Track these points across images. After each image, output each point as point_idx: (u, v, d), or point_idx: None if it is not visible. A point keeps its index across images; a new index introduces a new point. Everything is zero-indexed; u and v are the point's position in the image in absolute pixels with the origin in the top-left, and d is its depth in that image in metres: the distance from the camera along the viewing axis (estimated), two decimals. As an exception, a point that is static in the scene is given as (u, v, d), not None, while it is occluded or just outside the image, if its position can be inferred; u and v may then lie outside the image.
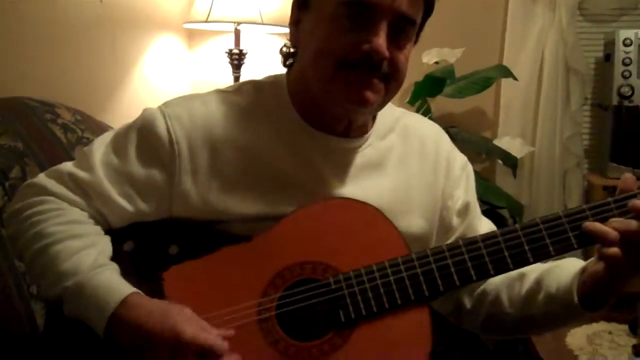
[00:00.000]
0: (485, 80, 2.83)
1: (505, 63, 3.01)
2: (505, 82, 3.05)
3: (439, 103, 2.94)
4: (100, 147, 1.20)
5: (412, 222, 1.26)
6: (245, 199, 1.18)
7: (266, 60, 3.16)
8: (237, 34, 2.95)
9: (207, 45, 3.26)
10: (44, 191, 1.18)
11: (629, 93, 2.72)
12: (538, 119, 3.04)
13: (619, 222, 1.09)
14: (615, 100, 2.76)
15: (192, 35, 3.23)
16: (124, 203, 1.17)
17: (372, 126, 1.27)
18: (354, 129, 1.24)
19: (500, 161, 2.94)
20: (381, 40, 1.09)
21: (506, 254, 1.12)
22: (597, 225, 1.10)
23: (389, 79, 1.14)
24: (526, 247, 1.12)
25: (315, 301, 1.11)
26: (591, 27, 3.12)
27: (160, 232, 1.19)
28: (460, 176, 1.35)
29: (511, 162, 2.83)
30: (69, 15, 2.31)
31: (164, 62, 3.00)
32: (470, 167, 1.38)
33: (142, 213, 1.19)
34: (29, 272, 1.22)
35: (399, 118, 1.32)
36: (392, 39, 1.11)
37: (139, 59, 2.80)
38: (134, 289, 1.07)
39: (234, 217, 1.18)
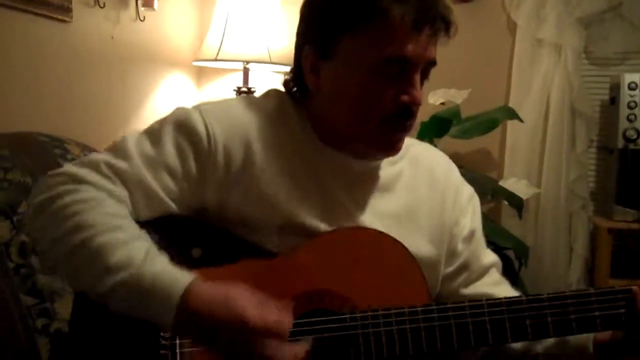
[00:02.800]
0: (491, 121, 2.85)
1: (511, 105, 3.03)
2: (511, 124, 3.07)
3: (445, 143, 2.95)
4: (133, 139, 1.19)
5: (421, 245, 1.28)
6: (277, 199, 1.20)
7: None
8: (245, 72, 2.98)
9: (216, 83, 3.30)
10: (79, 179, 1.11)
11: (634, 136, 2.73)
12: (544, 161, 3.05)
13: None
14: (620, 143, 2.76)
15: (201, 73, 3.27)
16: (162, 194, 1.16)
17: None
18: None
19: (506, 202, 2.94)
20: (418, 92, 1.17)
21: (527, 322, 1.12)
22: None
23: (413, 119, 1.20)
24: (549, 319, 1.12)
25: (327, 335, 1.11)
26: (597, 70, 3.14)
27: (185, 233, 1.17)
28: (467, 205, 1.37)
29: (517, 204, 2.83)
30: (80, 51, 2.34)
31: (174, 99, 3.03)
32: (476, 199, 1.41)
33: (176, 204, 1.18)
34: (61, 268, 1.08)
35: (409, 147, 1.35)
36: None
37: (148, 95, 2.83)
38: (193, 275, 1.02)
39: (255, 221, 1.19)
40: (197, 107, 1.22)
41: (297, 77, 1.27)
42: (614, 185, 2.81)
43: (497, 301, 1.14)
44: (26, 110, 2.07)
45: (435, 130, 2.80)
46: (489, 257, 1.38)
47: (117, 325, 1.08)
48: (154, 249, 1.06)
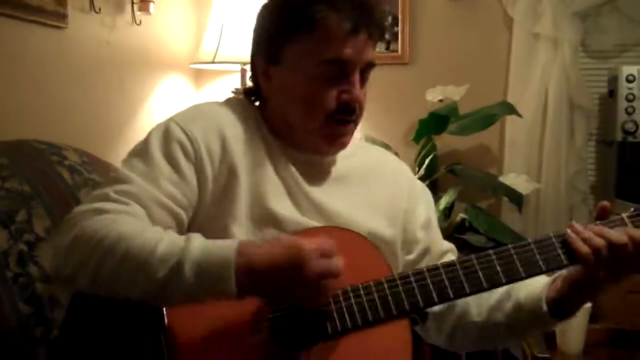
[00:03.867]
0: (490, 117, 2.85)
1: (509, 100, 3.03)
2: (510, 119, 3.07)
3: (444, 140, 2.96)
4: (126, 166, 1.25)
5: (381, 225, 1.37)
6: (253, 194, 1.27)
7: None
8: (243, 73, 2.98)
9: (214, 85, 3.30)
10: (98, 212, 1.13)
11: (633, 129, 2.73)
12: (543, 156, 3.05)
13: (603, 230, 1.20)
14: (619, 136, 2.77)
15: (199, 76, 3.28)
16: (171, 203, 1.21)
17: None
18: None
19: (505, 198, 2.94)
20: (358, 91, 1.29)
21: (480, 274, 1.21)
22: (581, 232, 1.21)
23: (356, 118, 1.32)
24: (499, 269, 1.21)
25: (305, 314, 1.16)
26: (594, 63, 3.14)
27: None
28: (420, 195, 1.49)
29: (517, 199, 2.83)
30: (76, 57, 2.34)
31: (172, 102, 3.04)
32: (429, 192, 1.54)
33: (185, 210, 1.23)
34: (114, 286, 1.08)
35: (363, 148, 1.51)
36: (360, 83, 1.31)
37: (146, 99, 2.84)
38: (236, 242, 1.07)
39: (246, 214, 1.26)
40: (171, 119, 1.30)
41: (254, 83, 1.40)
42: (614, 179, 2.81)
43: (450, 262, 1.23)
44: (23, 118, 2.07)
45: (434, 127, 2.81)
46: (446, 243, 1.49)
47: (112, 331, 1.12)
48: (190, 234, 1.11)
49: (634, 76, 2.75)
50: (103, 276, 1.08)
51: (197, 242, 1.07)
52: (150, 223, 1.16)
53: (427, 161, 2.83)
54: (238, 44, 2.83)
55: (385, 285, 1.20)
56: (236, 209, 1.25)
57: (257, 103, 1.40)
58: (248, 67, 2.93)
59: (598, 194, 3.11)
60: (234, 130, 1.31)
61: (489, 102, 2.94)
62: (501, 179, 2.94)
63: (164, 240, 1.07)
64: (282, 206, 1.29)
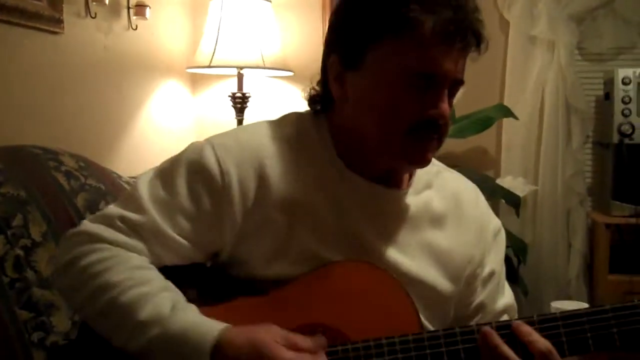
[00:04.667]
0: (486, 119, 2.85)
1: (506, 103, 3.04)
2: (507, 122, 3.07)
3: (441, 143, 2.96)
4: (145, 185, 1.18)
5: (438, 281, 1.26)
6: (285, 234, 1.18)
7: (269, 103, 3.19)
8: (240, 77, 2.98)
9: (211, 90, 3.30)
10: (96, 238, 1.13)
11: (630, 131, 2.73)
12: (540, 158, 3.05)
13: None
14: (616, 139, 2.76)
15: (195, 80, 3.28)
16: (180, 239, 1.16)
17: (410, 179, 1.28)
18: (393, 179, 1.25)
19: (503, 200, 2.94)
20: (446, 106, 1.14)
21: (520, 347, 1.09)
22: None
23: (442, 133, 1.18)
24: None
25: None
26: (590, 66, 3.14)
27: (178, 276, 1.18)
28: (491, 243, 1.34)
29: (514, 201, 2.82)
30: (73, 62, 2.34)
31: (168, 107, 3.04)
32: (502, 234, 1.38)
33: (196, 248, 1.18)
34: (95, 326, 1.11)
35: (439, 173, 1.33)
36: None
37: (143, 104, 2.84)
38: (223, 325, 1.04)
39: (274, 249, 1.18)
40: (210, 142, 1.20)
41: (323, 86, 1.25)
42: (611, 181, 2.81)
43: (488, 326, 1.11)
44: (19, 123, 2.07)
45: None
46: (505, 299, 1.35)
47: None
48: (181, 300, 1.09)
49: (629, 79, 2.75)
50: (85, 315, 1.13)
51: (179, 320, 1.04)
52: (150, 258, 1.15)
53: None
54: (235, 47, 2.83)
55: (412, 345, 1.10)
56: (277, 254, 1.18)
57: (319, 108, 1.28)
58: (245, 71, 2.96)
59: (595, 195, 3.12)
60: (281, 162, 1.20)
61: (485, 104, 2.94)
62: (498, 181, 2.94)
63: (152, 299, 1.06)
64: (328, 250, 1.19)
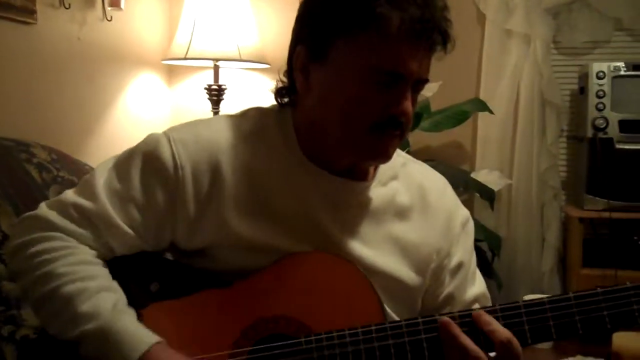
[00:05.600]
0: (462, 113, 2.86)
1: (481, 97, 3.05)
2: (482, 116, 3.09)
3: (417, 137, 2.97)
4: (102, 174, 1.19)
5: (403, 273, 1.26)
6: (242, 224, 1.18)
7: (245, 95, 3.18)
8: (216, 69, 2.97)
9: (187, 81, 3.28)
10: (49, 225, 1.15)
11: (603, 125, 2.75)
12: (515, 152, 3.07)
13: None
14: (590, 133, 2.78)
15: (171, 72, 3.26)
16: (129, 230, 1.16)
17: (375, 170, 1.28)
18: (357, 171, 1.25)
19: (478, 194, 2.95)
20: (409, 104, 1.14)
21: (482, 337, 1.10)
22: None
23: (403, 130, 1.18)
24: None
25: (284, 359, 1.11)
26: (566, 60, 3.16)
27: (142, 268, 1.19)
28: (459, 233, 1.34)
29: (489, 195, 2.84)
30: (46, 53, 2.31)
31: (144, 98, 3.01)
32: (471, 224, 1.38)
33: (147, 239, 1.19)
34: (35, 311, 1.15)
35: (405, 164, 1.33)
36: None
37: (118, 96, 2.81)
38: (157, 338, 1.06)
39: (229, 242, 1.18)
40: (167, 135, 1.21)
41: (289, 78, 1.24)
42: (585, 175, 2.82)
43: (451, 316, 1.12)
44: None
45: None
46: (475, 288, 1.35)
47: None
48: (122, 302, 1.11)
49: (604, 73, 2.77)
50: (30, 298, 1.15)
51: (115, 322, 1.06)
52: (101, 250, 1.17)
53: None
54: (211, 39, 2.82)
55: (374, 336, 1.10)
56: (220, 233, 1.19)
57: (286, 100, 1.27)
58: (221, 64, 2.95)
59: (569, 190, 3.14)
60: (237, 156, 1.20)
61: (461, 98, 2.95)
62: (473, 175, 2.95)
63: (94, 296, 1.08)
64: (291, 243, 1.18)
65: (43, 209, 1.18)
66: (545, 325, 1.11)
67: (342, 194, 1.23)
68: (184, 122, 1.28)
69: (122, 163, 1.20)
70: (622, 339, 1.81)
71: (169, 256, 1.26)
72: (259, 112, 1.28)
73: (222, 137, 1.21)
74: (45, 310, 1.11)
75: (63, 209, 1.17)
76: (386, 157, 1.20)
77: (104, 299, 1.08)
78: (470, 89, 3.14)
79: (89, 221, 1.16)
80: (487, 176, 2.91)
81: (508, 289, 2.90)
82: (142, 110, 2.99)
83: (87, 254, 1.15)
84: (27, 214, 1.20)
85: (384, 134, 1.15)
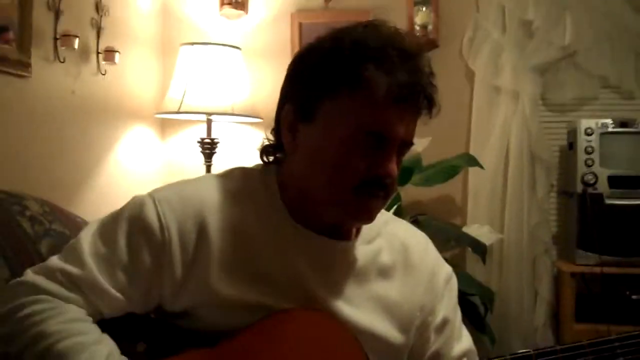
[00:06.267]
0: (452, 168, 2.88)
1: (471, 152, 3.08)
2: (473, 170, 3.11)
3: (408, 191, 2.98)
4: (87, 239, 1.18)
5: (388, 332, 1.26)
6: (228, 286, 1.17)
7: (237, 149, 3.20)
8: (209, 123, 2.99)
9: (180, 135, 3.30)
10: (36, 290, 1.14)
11: (593, 181, 2.77)
12: (505, 207, 3.09)
13: None
14: (579, 188, 2.80)
15: (165, 125, 3.28)
16: (117, 294, 1.15)
17: (358, 230, 1.28)
18: (341, 230, 1.25)
19: (469, 248, 2.95)
20: (393, 166, 1.15)
21: None
22: None
23: (388, 191, 1.18)
24: None
25: None
26: (554, 116, 3.20)
27: (128, 328, 1.17)
28: (442, 290, 1.34)
29: (480, 250, 2.84)
30: (40, 106, 2.33)
31: (137, 151, 3.03)
32: (454, 280, 1.38)
33: (135, 302, 1.17)
34: None
35: (387, 223, 1.34)
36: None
37: (111, 149, 2.82)
38: None
39: (214, 303, 1.17)
40: (152, 196, 1.20)
41: (276, 136, 1.26)
42: (575, 230, 2.84)
43: None
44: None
45: (398, 178, 2.81)
46: (462, 344, 1.35)
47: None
48: (115, 354, 1.10)
49: (592, 129, 2.80)
50: None
51: None
52: (89, 311, 1.15)
53: (392, 212, 2.83)
54: (203, 93, 2.85)
55: None
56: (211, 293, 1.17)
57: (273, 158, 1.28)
58: (214, 117, 2.97)
59: (560, 244, 3.15)
60: (223, 216, 1.19)
61: (451, 153, 2.98)
62: (465, 229, 2.96)
63: (86, 350, 1.07)
64: (275, 302, 1.18)
65: (29, 274, 1.17)
66: None
67: (327, 254, 1.23)
68: (176, 174, 1.28)
69: (108, 227, 1.19)
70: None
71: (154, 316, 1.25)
72: (243, 172, 1.29)
73: (208, 196, 1.21)
74: None
75: (50, 274, 1.15)
76: (369, 218, 1.20)
77: (98, 351, 1.08)
78: (460, 143, 3.17)
79: (77, 287, 1.15)
80: (478, 230, 2.91)
81: (501, 344, 2.88)
82: (135, 163, 3.00)
83: (76, 312, 1.13)
84: (14, 280, 1.19)
85: (368, 194, 1.15)
